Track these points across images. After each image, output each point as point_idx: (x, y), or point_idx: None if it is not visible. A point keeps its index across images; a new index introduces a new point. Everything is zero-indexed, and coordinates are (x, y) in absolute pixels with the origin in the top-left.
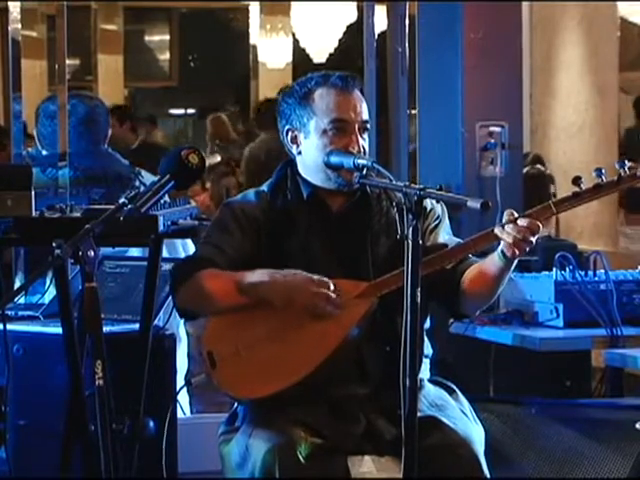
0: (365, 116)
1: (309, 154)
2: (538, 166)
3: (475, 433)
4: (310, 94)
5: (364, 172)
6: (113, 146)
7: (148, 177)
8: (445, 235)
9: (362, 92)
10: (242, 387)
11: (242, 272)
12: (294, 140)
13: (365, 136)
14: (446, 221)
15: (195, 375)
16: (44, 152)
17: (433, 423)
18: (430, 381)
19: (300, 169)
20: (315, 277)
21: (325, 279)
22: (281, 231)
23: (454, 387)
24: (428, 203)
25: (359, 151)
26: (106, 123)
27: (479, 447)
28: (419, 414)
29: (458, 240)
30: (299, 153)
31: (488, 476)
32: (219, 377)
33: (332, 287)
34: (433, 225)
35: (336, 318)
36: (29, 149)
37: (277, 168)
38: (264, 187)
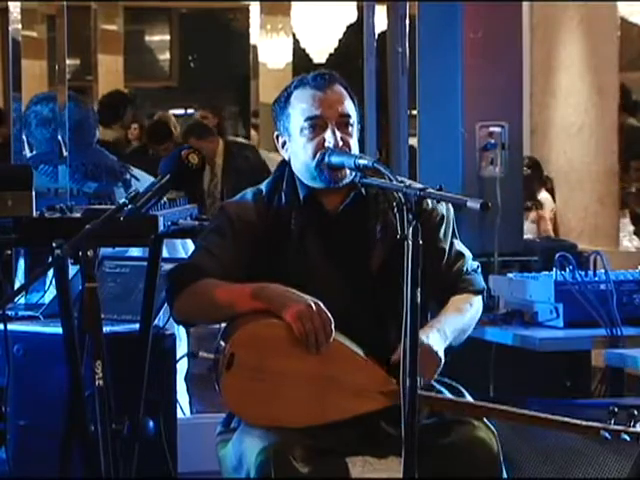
0: (345, 110)
1: (295, 156)
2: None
3: (491, 433)
4: (289, 97)
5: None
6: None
7: (137, 171)
8: (444, 238)
9: (346, 88)
10: (242, 404)
11: (246, 284)
12: (283, 145)
13: (350, 130)
14: (450, 222)
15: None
16: (29, 154)
17: (450, 422)
18: (436, 381)
19: (294, 171)
20: (317, 309)
21: (326, 314)
22: (277, 234)
23: (461, 388)
24: (430, 203)
25: (336, 145)
26: (96, 125)
27: (496, 447)
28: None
29: (460, 249)
30: (289, 157)
31: (505, 476)
32: (226, 381)
33: (329, 324)
34: (434, 225)
35: (362, 393)
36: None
37: (275, 168)
38: (262, 186)
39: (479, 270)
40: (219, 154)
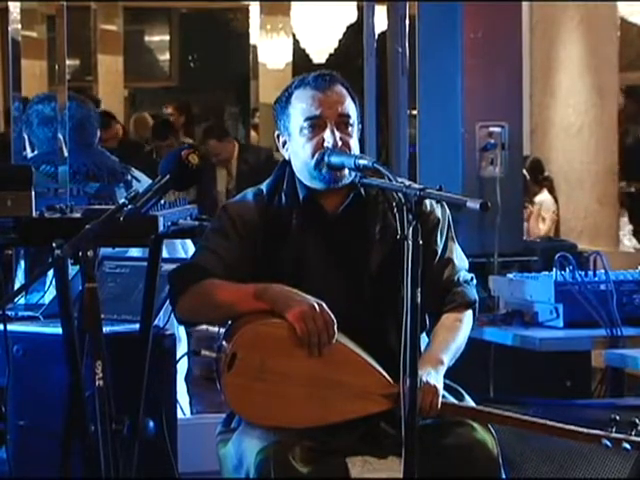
0: (345, 110)
1: (295, 155)
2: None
3: (490, 435)
4: (289, 97)
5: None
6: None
7: (138, 173)
8: (438, 242)
9: (347, 88)
10: (243, 403)
11: (249, 284)
12: (284, 144)
13: (350, 131)
14: (446, 224)
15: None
16: (30, 153)
17: (449, 423)
18: None
19: (295, 171)
20: (320, 309)
21: (329, 315)
22: (277, 234)
23: (461, 390)
24: (428, 205)
25: (335, 145)
26: (97, 126)
27: (496, 448)
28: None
29: (452, 257)
30: (289, 156)
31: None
32: (228, 380)
33: (332, 325)
34: (430, 227)
35: (364, 395)
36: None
37: (276, 168)
38: (263, 186)
39: (473, 282)
40: (234, 156)
